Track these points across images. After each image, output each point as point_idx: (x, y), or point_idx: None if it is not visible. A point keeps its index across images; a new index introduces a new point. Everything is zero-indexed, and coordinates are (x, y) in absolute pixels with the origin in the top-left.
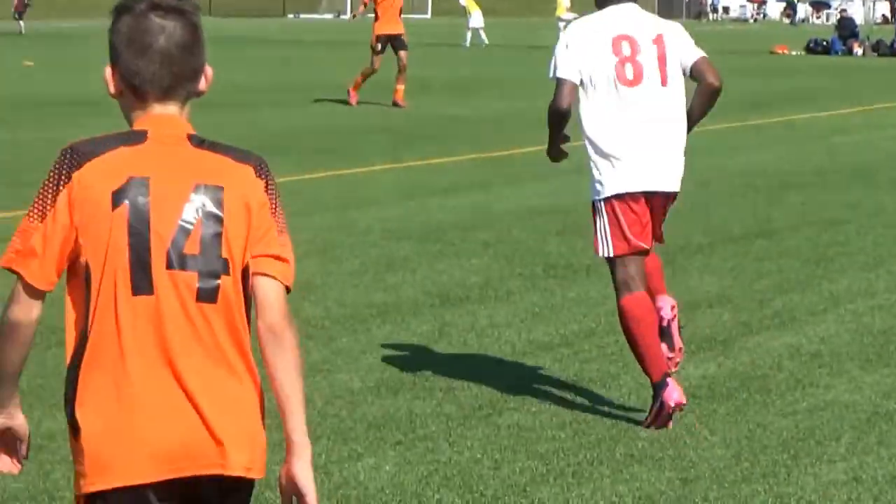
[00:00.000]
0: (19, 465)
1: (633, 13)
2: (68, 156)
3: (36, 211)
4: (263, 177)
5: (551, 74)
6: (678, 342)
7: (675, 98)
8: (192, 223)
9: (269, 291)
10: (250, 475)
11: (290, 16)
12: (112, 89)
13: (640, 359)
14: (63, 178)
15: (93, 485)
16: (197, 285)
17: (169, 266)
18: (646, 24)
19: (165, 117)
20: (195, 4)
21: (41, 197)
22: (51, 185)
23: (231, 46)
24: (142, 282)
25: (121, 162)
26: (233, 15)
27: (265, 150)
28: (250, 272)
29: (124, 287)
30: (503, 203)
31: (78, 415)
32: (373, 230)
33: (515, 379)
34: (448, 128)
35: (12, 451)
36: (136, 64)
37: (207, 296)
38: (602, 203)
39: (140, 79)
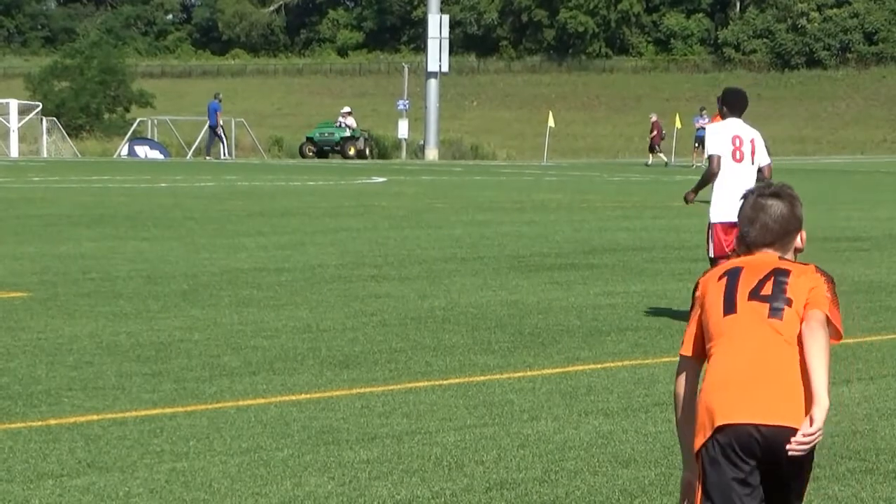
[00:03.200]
0: None
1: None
2: (699, 280)
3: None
4: (821, 274)
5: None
6: None
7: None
8: (764, 281)
9: (812, 314)
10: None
11: None
12: (732, 246)
13: None
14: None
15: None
16: (767, 309)
17: (749, 298)
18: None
19: (761, 254)
20: (791, 193)
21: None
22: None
23: None
24: (730, 307)
25: (724, 269)
26: None
27: None
28: (805, 311)
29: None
30: None
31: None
32: None
33: None
34: None
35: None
36: (745, 230)
37: (775, 315)
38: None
39: (749, 240)
